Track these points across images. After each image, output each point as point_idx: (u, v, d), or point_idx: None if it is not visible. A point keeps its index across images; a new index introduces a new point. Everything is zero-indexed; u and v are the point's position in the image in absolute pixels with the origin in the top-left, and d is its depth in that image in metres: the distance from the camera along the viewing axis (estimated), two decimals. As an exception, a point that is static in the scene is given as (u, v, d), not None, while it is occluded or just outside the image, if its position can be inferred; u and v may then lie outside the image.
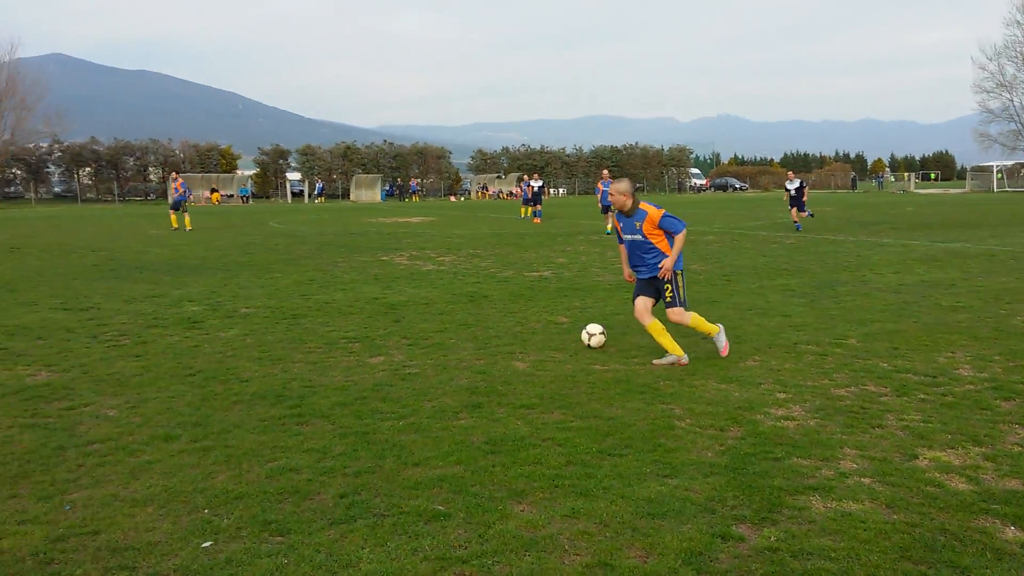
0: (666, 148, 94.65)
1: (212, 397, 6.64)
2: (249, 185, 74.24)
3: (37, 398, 6.63)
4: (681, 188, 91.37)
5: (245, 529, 4.10)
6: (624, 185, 7.65)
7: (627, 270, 7.98)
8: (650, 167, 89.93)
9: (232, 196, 69.75)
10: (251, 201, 68.77)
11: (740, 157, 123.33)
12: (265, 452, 5.27)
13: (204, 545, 3.92)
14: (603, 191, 24.55)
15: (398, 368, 7.58)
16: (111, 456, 5.22)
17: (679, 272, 7.69)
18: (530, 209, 33.30)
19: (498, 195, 76.76)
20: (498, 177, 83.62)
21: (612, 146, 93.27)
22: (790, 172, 25.69)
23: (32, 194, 68.65)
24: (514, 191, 75.54)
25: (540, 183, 33.10)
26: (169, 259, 18.36)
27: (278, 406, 6.34)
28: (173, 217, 29.49)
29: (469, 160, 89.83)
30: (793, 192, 25.61)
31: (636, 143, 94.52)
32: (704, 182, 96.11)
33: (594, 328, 8.40)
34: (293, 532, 4.06)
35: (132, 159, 73.39)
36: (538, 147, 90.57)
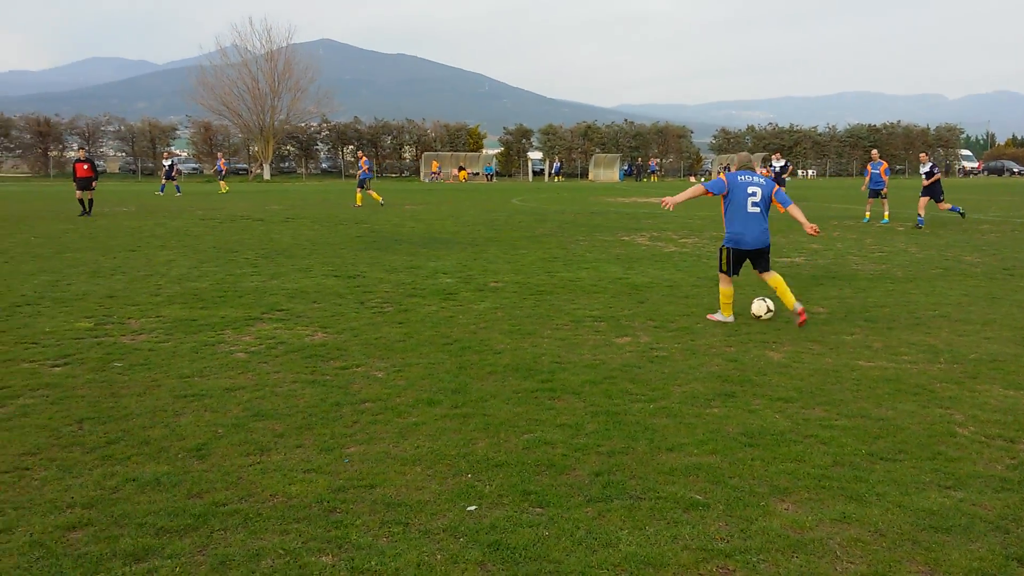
0: (932, 127, 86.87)
1: (468, 366, 6.92)
2: (494, 164, 76.97)
3: (315, 357, 7.24)
4: (949, 171, 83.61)
5: (506, 497, 4.22)
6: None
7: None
8: (914, 148, 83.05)
9: (478, 174, 72.68)
10: (495, 179, 71.31)
11: (1020, 138, 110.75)
12: (521, 423, 5.41)
13: (469, 509, 4.08)
14: (872, 174, 22.63)
15: (645, 350, 7.51)
16: (382, 416, 5.59)
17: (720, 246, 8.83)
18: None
19: (740, 176, 74.28)
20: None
21: (870, 124, 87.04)
22: (922, 154, 22.40)
23: (303, 169, 75.47)
24: (760, 172, 72.80)
25: (782, 162, 31.56)
26: (423, 233, 19.43)
27: (530, 379, 6.49)
28: (359, 195, 29.75)
29: (711, 139, 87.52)
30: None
31: (898, 121, 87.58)
32: (976, 165, 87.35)
33: (761, 306, 8.84)
34: (552, 505, 4.13)
35: (389, 138, 78.46)
36: (786, 125, 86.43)
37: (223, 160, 48.14)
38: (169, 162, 40.09)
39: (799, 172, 78.06)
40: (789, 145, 78.78)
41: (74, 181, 24.99)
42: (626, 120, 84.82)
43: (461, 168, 70.91)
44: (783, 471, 4.57)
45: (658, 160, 78.44)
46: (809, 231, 8.62)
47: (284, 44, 72.95)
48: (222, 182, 45.09)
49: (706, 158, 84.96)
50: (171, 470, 4.57)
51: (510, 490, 4.31)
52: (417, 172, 74.35)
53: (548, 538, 3.77)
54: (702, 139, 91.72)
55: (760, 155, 77.34)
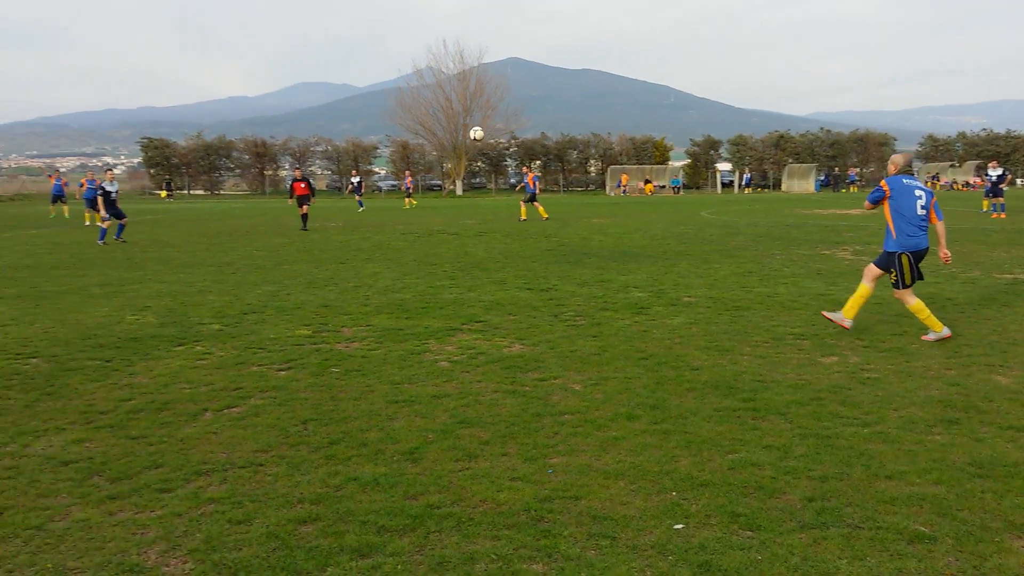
0: None
1: (665, 382, 6.86)
2: (680, 176, 75.88)
3: (514, 368, 7.43)
4: None
5: (714, 517, 4.16)
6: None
7: None
8: None
9: (664, 187, 71.88)
10: (681, 192, 70.26)
11: None
12: (724, 443, 5.30)
13: (676, 527, 4.05)
14: None
15: (855, 371, 7.15)
16: (581, 428, 5.65)
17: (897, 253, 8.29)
18: (988, 202, 29.57)
19: (951, 186, 69.07)
20: (951, 166, 75.20)
21: (1102, 128, 78.50)
22: (993, 161, 22.74)
23: (492, 184, 77.61)
24: (972, 181, 67.40)
25: (999, 171, 29.11)
26: (612, 246, 19.45)
27: (731, 398, 6.35)
28: (523, 208, 30.55)
29: (917, 147, 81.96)
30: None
31: None
32: None
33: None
34: (763, 529, 4.02)
35: (575, 152, 79.19)
36: (1002, 131, 79.52)
37: (410, 179, 50.81)
38: (357, 179, 43.48)
39: (1017, 181, 71.53)
40: (1006, 152, 72.46)
41: (294, 199, 27.09)
42: (822, 128, 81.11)
43: (647, 181, 70.39)
44: (1018, 505, 4.21)
45: (858, 169, 74.40)
46: (942, 256, 8.45)
47: (475, 64, 75.46)
48: (408, 199, 47.39)
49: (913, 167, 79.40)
50: (388, 472, 4.84)
51: (717, 511, 4.24)
52: (603, 186, 74.54)
53: (760, 563, 3.68)
54: (906, 147, 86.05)
55: (974, 163, 71.68)
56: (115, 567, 3.73)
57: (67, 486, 4.73)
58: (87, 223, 27.60)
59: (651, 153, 77.94)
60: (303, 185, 26.73)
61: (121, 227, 22.58)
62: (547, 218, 30.11)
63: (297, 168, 35.47)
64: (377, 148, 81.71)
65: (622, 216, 33.09)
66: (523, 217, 30.46)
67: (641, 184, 69.77)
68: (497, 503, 4.38)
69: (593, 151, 79.39)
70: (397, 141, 77.10)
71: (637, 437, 5.44)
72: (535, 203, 30.41)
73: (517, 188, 39.72)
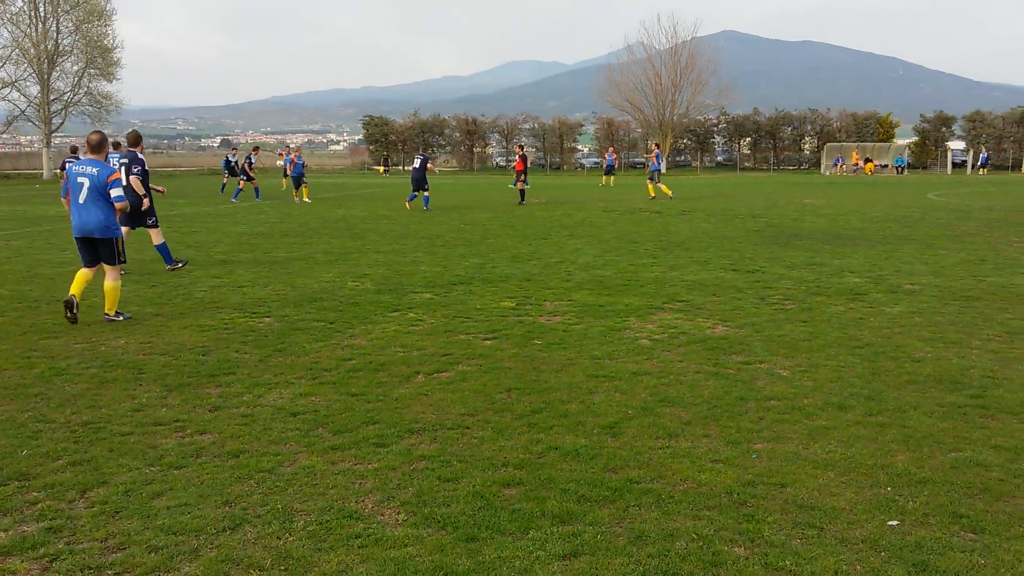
0: None
1: (882, 372, 6.47)
2: (906, 155, 70.63)
3: (717, 349, 7.27)
4: None
5: (932, 517, 3.89)
6: None
7: None
8: None
9: (886, 166, 67.22)
10: (906, 172, 65.42)
11: None
12: (946, 440, 4.94)
13: (891, 524, 3.83)
14: None
15: (1107, 372, 6.41)
16: (788, 415, 5.45)
17: None
18: None
19: None
20: None
21: None
22: None
23: (697, 163, 75.83)
24: None
25: None
26: (825, 228, 18.49)
27: (956, 393, 5.89)
28: (650, 187, 30.42)
29: None
30: None
31: None
32: None
33: None
34: (987, 532, 3.72)
35: (789, 129, 75.68)
36: None
37: (614, 154, 50.53)
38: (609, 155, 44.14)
39: None
40: None
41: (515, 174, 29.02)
42: (1077, 103, 72.56)
43: (868, 160, 66.08)
44: None
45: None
46: None
47: (688, 38, 73.72)
48: (605, 176, 46.40)
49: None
50: (588, 444, 4.91)
51: (937, 510, 3.97)
52: (817, 164, 70.84)
53: (983, 567, 3.41)
54: None
55: None
56: (336, 512, 4.04)
57: (295, 435, 5.16)
58: (296, 199, 29.32)
59: (874, 130, 73.06)
60: (520, 161, 28.37)
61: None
62: (612, 186, 31.05)
63: (519, 145, 36.29)
64: (583, 125, 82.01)
65: (838, 196, 31.32)
66: (651, 195, 30.38)
67: (861, 163, 65.58)
68: (698, 483, 4.32)
69: (809, 127, 75.51)
70: (603, 118, 76.99)
71: (849, 428, 5.17)
72: (659, 182, 30.51)
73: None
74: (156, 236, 12.45)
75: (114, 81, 57.53)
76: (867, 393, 5.91)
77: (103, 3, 56.01)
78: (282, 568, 3.51)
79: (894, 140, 74.07)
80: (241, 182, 30.50)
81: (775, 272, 11.82)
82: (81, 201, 8.67)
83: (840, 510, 3.99)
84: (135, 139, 12.54)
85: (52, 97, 55.13)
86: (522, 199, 28.08)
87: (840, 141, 70.52)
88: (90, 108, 57.00)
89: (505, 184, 41.57)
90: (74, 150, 23.96)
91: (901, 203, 27.28)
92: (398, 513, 4.04)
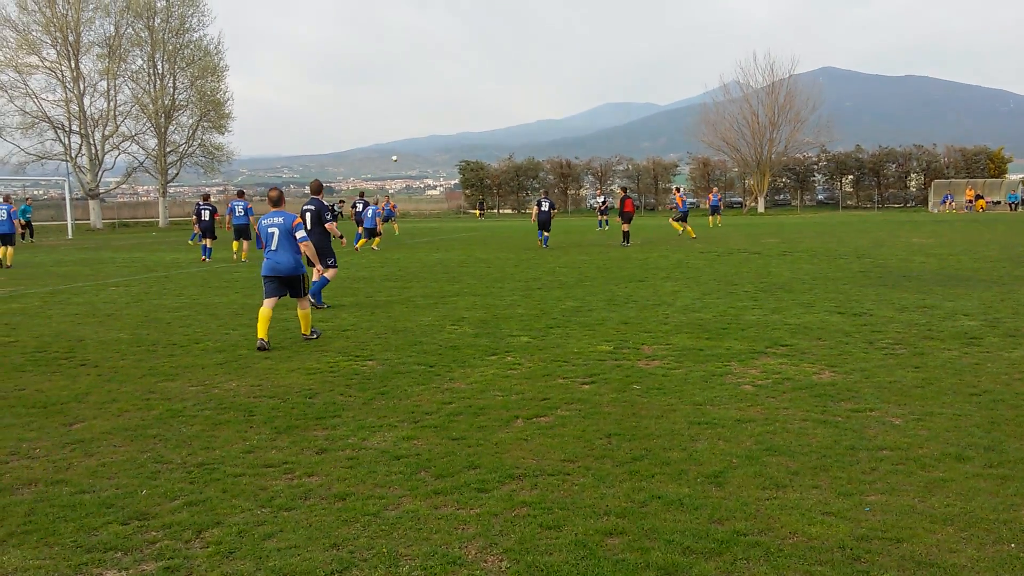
0: None
1: (1003, 422, 6.15)
2: (1019, 191, 67.45)
3: (824, 396, 7.06)
4: None
5: (1066, 580, 3.66)
6: None
7: None
8: None
9: (999, 203, 64.28)
10: (1020, 208, 62.39)
11: None
12: (1078, 496, 4.65)
13: (1019, 586, 3.62)
14: None
15: None
16: (902, 466, 5.23)
17: None
18: None
19: None
20: None
21: None
22: None
23: (797, 201, 74.20)
24: None
25: None
26: (936, 268, 17.79)
27: (1087, 445, 5.54)
28: (677, 225, 32.27)
29: None
30: None
31: None
32: None
33: None
34: None
35: (894, 166, 73.45)
36: None
37: (719, 194, 49.61)
38: (601, 199, 42.52)
39: None
40: None
41: (620, 216, 29.22)
42: None
43: (979, 196, 63.35)
44: None
45: None
46: None
47: (786, 76, 72.70)
48: (712, 216, 45.47)
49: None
50: (692, 493, 4.82)
51: (1070, 573, 3.73)
52: (924, 202, 68.35)
53: None
54: None
55: None
56: (440, 558, 4.08)
57: (398, 479, 5.24)
58: (374, 247, 28.81)
59: (984, 165, 70.17)
60: (630, 201, 29.00)
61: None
62: (694, 237, 31.33)
63: (623, 188, 36.44)
64: (677, 166, 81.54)
65: (948, 235, 30.12)
66: (679, 232, 32.46)
67: (972, 199, 62.91)
68: (809, 537, 4.19)
69: (914, 164, 73.12)
70: (698, 158, 76.40)
71: (968, 480, 4.93)
72: (685, 222, 32.25)
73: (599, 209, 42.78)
74: (330, 274, 13.33)
75: (225, 133, 60.58)
76: (987, 443, 5.62)
77: (216, 60, 59.21)
78: (388, 612, 3.55)
79: (1006, 175, 70.92)
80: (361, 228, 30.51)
81: (884, 315, 11.42)
82: (273, 247, 10.32)
83: (961, 567, 3.79)
84: (318, 188, 13.95)
85: (168, 149, 58.33)
86: (626, 240, 28.23)
87: (948, 178, 67.97)
88: (203, 159, 60.09)
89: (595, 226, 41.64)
90: (206, 197, 26.20)
91: (1016, 242, 26.02)
92: (501, 560, 4.05)
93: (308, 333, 10.54)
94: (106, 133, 55.79)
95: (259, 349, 9.78)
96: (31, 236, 39.56)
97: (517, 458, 5.59)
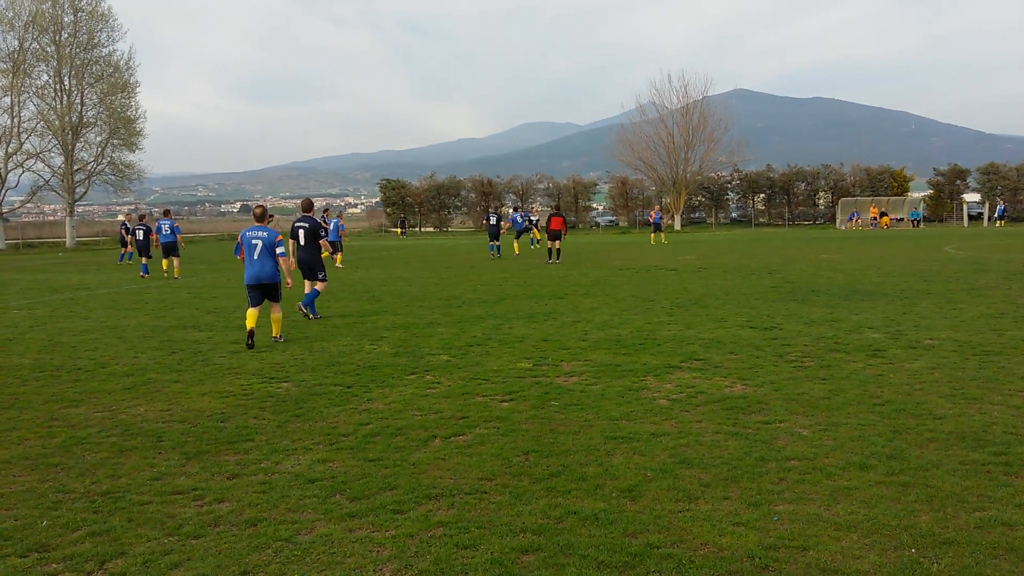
0: None
1: (904, 430, 6.40)
2: (921, 208, 70.68)
3: (736, 408, 7.23)
4: None
5: (959, 581, 3.83)
6: None
7: None
8: None
9: (902, 220, 67.20)
10: (922, 224, 65.37)
11: None
12: (970, 499, 4.87)
13: (916, 588, 3.77)
14: None
15: None
16: (809, 475, 5.40)
17: None
18: None
19: None
20: None
21: None
22: None
23: (712, 219, 76.12)
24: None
25: None
26: (843, 283, 18.45)
27: (979, 451, 5.82)
28: (652, 237, 35.31)
29: None
30: None
31: None
32: None
33: None
34: (1017, 598, 3.65)
35: (803, 184, 76.01)
36: None
37: (661, 212, 49.51)
38: (495, 217, 40.55)
39: None
40: None
41: (547, 232, 28.85)
42: (1091, 153, 72.52)
43: (883, 214, 66.11)
44: None
45: None
46: None
47: (699, 97, 74.64)
48: (654, 234, 44.79)
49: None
50: (607, 508, 4.87)
51: (962, 571, 3.90)
52: (832, 219, 70.92)
53: (1015, 635, 3.34)
54: None
55: None
56: (354, 580, 4.02)
57: (312, 502, 5.15)
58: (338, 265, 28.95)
59: (888, 184, 73.27)
60: (559, 220, 28.45)
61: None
62: (665, 242, 35.02)
63: (555, 206, 35.93)
64: (596, 184, 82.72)
65: (854, 251, 31.29)
66: (653, 243, 36.55)
67: (876, 216, 65.60)
68: (719, 547, 4.27)
69: (822, 183, 75.84)
70: (616, 177, 77.68)
71: (871, 488, 5.11)
72: (661, 233, 36.28)
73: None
74: (320, 287, 14.15)
75: (136, 151, 58.81)
76: (889, 452, 5.85)
77: (127, 76, 57.57)
78: (300, 640, 3.48)
79: (908, 193, 74.18)
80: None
81: (793, 329, 11.78)
82: (255, 257, 11.38)
83: (864, 573, 3.93)
84: (308, 205, 14.65)
85: (76, 167, 56.33)
86: (553, 257, 28.15)
87: (854, 196, 70.71)
88: (112, 177, 58.21)
89: (500, 244, 41.87)
90: (141, 218, 25.98)
91: (918, 256, 27.20)
92: (416, 582, 4.01)
93: (278, 336, 11.66)
94: (9, 151, 53.62)
95: (249, 337, 11.04)
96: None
97: (434, 478, 5.56)
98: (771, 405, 7.33)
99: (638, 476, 5.44)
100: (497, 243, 32.97)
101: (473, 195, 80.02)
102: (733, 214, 79.63)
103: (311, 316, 13.95)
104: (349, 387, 8.56)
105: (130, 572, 4.17)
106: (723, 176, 76.99)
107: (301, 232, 13.92)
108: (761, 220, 75.81)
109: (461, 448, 6.25)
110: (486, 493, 5.23)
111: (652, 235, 45.14)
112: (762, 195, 77.28)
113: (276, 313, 11.71)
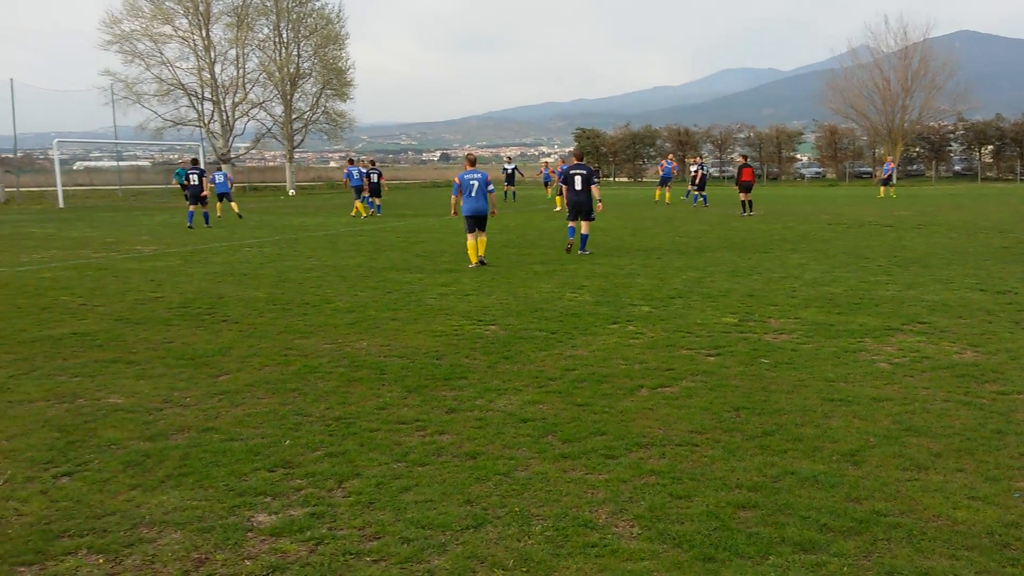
0: None
1: None
2: None
3: (967, 376, 6.74)
4: None
5: None
6: None
7: None
8: None
9: None
10: None
11: None
12: None
13: None
14: None
15: None
16: (1056, 453, 4.96)
17: None
18: None
19: None
20: None
21: None
22: None
23: (932, 172, 70.40)
24: None
25: None
26: (1089, 246, 16.60)
27: None
28: (657, 191, 33.34)
29: None
30: None
31: None
32: None
33: None
34: None
35: (1040, 135, 68.56)
36: None
37: (890, 163, 45.22)
38: (695, 168, 36.22)
39: None
40: None
41: (737, 184, 28.11)
42: None
43: None
44: None
45: None
46: None
47: (920, 39, 68.67)
48: (884, 187, 41.10)
49: None
50: (827, 471, 4.71)
51: None
52: (1075, 174, 63.68)
53: None
54: None
55: None
56: (571, 520, 4.14)
57: (526, 441, 5.33)
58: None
59: None
60: (750, 171, 27.61)
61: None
62: (894, 196, 32.72)
63: (743, 156, 34.43)
64: (802, 134, 78.59)
65: (1101, 210, 28.00)
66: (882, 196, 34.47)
67: None
68: (953, 521, 4.03)
69: (1063, 133, 68.09)
70: (824, 126, 73.42)
71: None
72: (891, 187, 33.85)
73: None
74: (586, 227, 16.07)
75: (347, 101, 61.96)
76: None
77: (338, 28, 60.53)
78: (524, 570, 3.64)
79: None
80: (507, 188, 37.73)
81: (1030, 294, 10.77)
82: (472, 195, 14.24)
83: None
84: (581, 155, 17.06)
85: (294, 116, 60.22)
86: (746, 210, 27.24)
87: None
88: (326, 126, 61.73)
89: (720, 196, 40.63)
90: (372, 162, 27.47)
91: None
92: (632, 526, 4.07)
93: (483, 256, 14.51)
94: (236, 100, 58.01)
95: (479, 264, 14.20)
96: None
97: (643, 427, 5.59)
98: (1008, 375, 6.77)
99: (859, 441, 5.21)
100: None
101: (669, 144, 78.32)
102: (956, 167, 73.26)
103: (583, 252, 15.98)
104: (553, 333, 8.73)
105: (365, 492, 4.51)
106: (945, 126, 70.85)
107: (578, 178, 15.74)
108: (988, 174, 69.30)
109: (669, 399, 6.23)
110: (697, 446, 5.20)
111: (881, 188, 41.62)
112: (990, 147, 70.51)
113: (483, 237, 14.57)
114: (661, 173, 36.86)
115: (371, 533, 4.03)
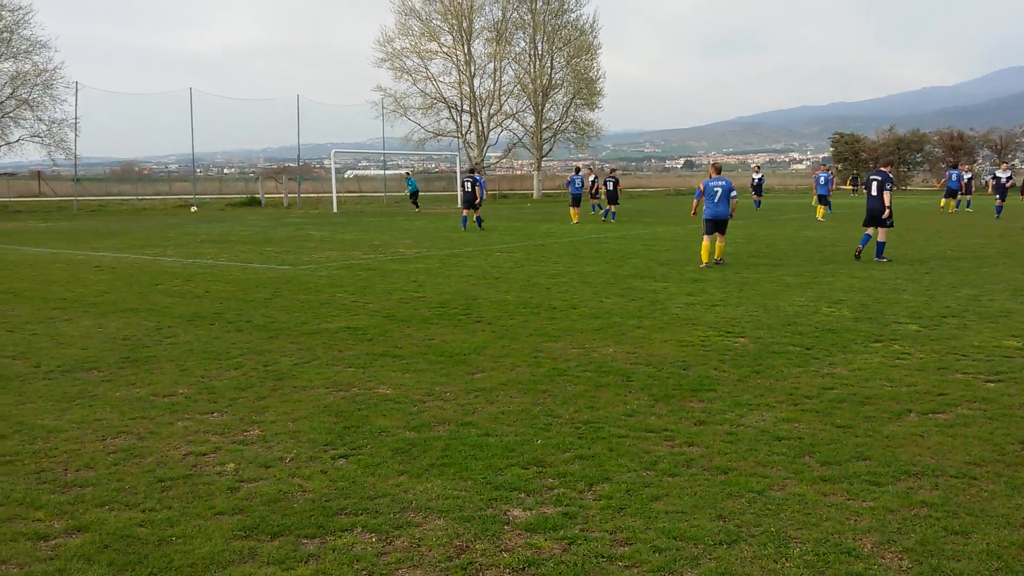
0: None
1: None
2: None
3: None
4: None
5: None
6: None
7: None
8: None
9: None
10: None
11: None
12: None
13: None
14: None
15: None
16: None
17: None
18: None
19: None
20: None
21: None
22: None
23: None
24: None
25: None
26: None
27: None
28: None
29: None
30: None
31: None
32: None
33: None
34: None
35: None
36: None
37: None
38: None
39: None
40: None
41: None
42: None
43: None
44: None
45: None
46: None
47: None
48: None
49: None
50: None
51: None
52: None
53: None
54: None
55: None
56: (832, 546, 3.93)
57: (781, 460, 5.13)
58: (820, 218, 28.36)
59: None
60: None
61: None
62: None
63: (1004, 163, 31.36)
64: (1103, 137, 69.34)
65: None
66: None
67: None
68: None
69: None
70: None
71: None
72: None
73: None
74: (883, 235, 16.23)
75: (595, 110, 62.85)
76: None
77: (591, 39, 61.55)
78: (781, 592, 3.52)
79: None
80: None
81: None
82: (715, 201, 15.35)
83: None
84: (719, 167, 16.55)
85: (544, 126, 62.01)
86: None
87: None
88: (574, 135, 63.00)
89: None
90: (613, 170, 28.33)
91: None
92: (901, 559, 3.80)
93: (720, 258, 15.67)
94: (491, 112, 60.74)
95: (711, 264, 15.29)
96: (416, 206, 43.85)
97: (912, 454, 5.19)
98: None
99: None
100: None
101: (939, 150, 72.06)
102: None
103: (881, 259, 16.00)
104: (808, 349, 8.34)
105: (616, 497, 4.56)
106: None
107: (874, 184, 16.17)
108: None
109: (941, 427, 5.75)
110: (975, 479, 4.76)
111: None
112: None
113: (721, 242, 15.65)
114: (946, 183, 34.00)
115: (622, 538, 4.06)
